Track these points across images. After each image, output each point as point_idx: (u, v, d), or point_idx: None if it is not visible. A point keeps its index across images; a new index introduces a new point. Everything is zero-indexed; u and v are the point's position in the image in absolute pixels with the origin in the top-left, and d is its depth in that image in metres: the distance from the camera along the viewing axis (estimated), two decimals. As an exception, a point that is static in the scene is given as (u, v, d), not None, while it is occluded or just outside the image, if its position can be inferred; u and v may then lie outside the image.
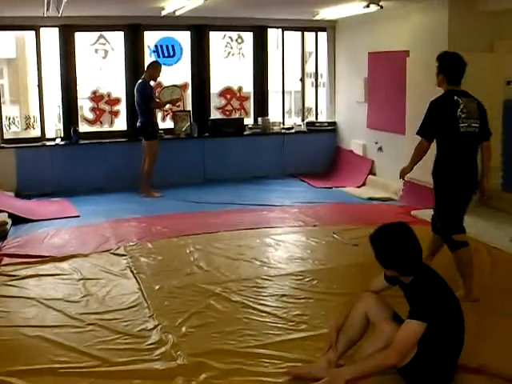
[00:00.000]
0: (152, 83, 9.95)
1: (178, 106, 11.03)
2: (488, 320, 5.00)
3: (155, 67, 9.86)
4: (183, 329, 4.93)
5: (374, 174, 10.75)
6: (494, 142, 8.68)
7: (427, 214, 8.42)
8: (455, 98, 5.68)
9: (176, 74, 11.19)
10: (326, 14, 10.24)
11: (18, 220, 8.24)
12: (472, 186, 5.71)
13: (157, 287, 5.84)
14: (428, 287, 3.75)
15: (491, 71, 8.66)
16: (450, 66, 5.87)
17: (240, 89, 11.71)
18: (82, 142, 10.48)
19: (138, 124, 9.92)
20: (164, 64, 10.58)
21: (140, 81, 9.77)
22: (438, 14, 8.71)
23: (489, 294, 5.64)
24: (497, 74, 8.66)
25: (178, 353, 4.48)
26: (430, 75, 8.60)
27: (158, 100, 10.20)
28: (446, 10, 8.56)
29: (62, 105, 10.64)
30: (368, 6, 8.80)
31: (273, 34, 12.06)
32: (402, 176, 6.26)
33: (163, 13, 9.36)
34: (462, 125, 5.56)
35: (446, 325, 3.75)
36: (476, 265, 6.47)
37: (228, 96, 11.68)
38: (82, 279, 6.11)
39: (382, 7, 8.79)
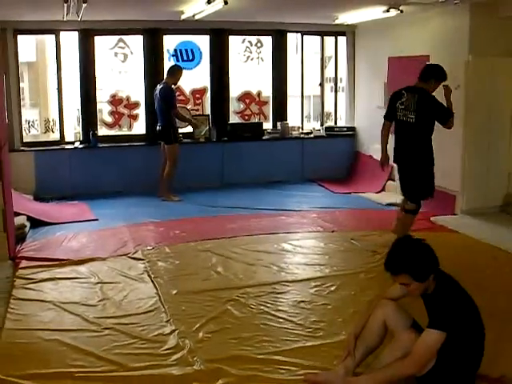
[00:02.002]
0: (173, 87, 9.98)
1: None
2: (509, 329, 4.93)
3: (179, 71, 9.88)
4: (200, 334, 4.91)
5: (394, 180, 10.68)
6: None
7: (447, 220, 8.44)
8: (402, 91, 7.06)
9: (195, 78, 11.20)
10: (345, 18, 10.18)
11: (36, 223, 8.26)
12: (400, 164, 7.36)
13: (174, 292, 5.83)
14: (449, 296, 3.69)
15: (512, 76, 8.61)
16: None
17: (259, 93, 11.69)
18: (100, 145, 10.49)
19: (157, 128, 9.93)
20: (183, 68, 10.61)
21: (163, 85, 9.76)
22: (459, 19, 8.65)
23: (507, 302, 5.58)
24: (518, 79, 8.61)
25: (195, 358, 4.46)
26: (450, 80, 8.57)
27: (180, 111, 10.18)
28: (468, 15, 8.48)
29: (81, 108, 10.67)
30: (388, 11, 8.74)
31: (292, 39, 12.02)
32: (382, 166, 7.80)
33: (182, 17, 9.35)
34: (398, 113, 7.08)
35: (466, 334, 3.70)
36: (495, 273, 6.46)
37: (247, 100, 11.67)
38: (99, 283, 6.11)
39: (402, 12, 8.72)
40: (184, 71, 10.27)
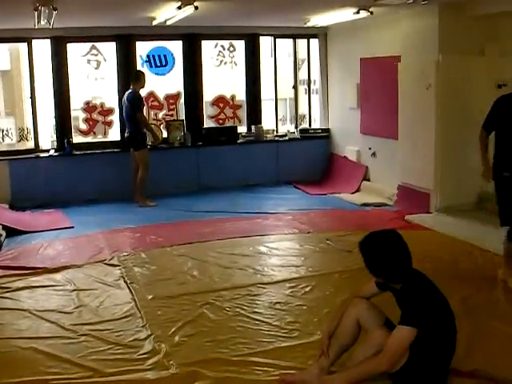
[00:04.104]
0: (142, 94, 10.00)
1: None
2: (481, 324, 4.99)
3: (142, 75, 9.93)
4: (176, 338, 4.93)
5: (368, 180, 10.77)
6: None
7: (421, 218, 8.52)
8: None
9: (169, 83, 11.21)
10: (316, 21, 10.22)
11: (12, 232, 8.23)
12: None
13: (150, 297, 5.84)
14: (418, 293, 3.74)
15: (482, 74, 8.70)
16: None
17: (233, 97, 11.71)
18: (75, 152, 10.46)
19: (126, 134, 9.97)
20: (156, 74, 10.66)
21: (130, 91, 9.79)
22: (428, 19, 8.73)
23: (482, 298, 5.65)
24: (488, 78, 8.70)
25: (171, 362, 4.48)
26: (421, 80, 8.67)
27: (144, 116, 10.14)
28: (437, 15, 8.57)
29: (56, 116, 10.63)
30: (358, 13, 8.79)
31: (265, 42, 12.04)
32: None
33: (154, 23, 9.36)
34: None
35: (437, 330, 3.75)
36: (470, 268, 6.53)
37: (221, 104, 11.67)
38: (75, 290, 6.10)
39: (372, 13, 8.78)
40: (157, 77, 10.27)
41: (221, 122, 11.68)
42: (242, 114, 11.82)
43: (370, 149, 10.66)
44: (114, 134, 10.95)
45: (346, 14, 9.16)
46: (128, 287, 6.14)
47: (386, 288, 3.98)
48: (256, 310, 5.48)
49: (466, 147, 8.79)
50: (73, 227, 8.63)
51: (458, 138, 8.74)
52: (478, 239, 7.44)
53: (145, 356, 4.60)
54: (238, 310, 5.48)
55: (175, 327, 5.11)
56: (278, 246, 7.53)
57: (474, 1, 8.25)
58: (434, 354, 3.79)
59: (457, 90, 8.67)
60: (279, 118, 12.24)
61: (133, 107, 9.73)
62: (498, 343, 4.66)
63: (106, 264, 6.93)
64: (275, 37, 11.80)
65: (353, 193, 10.53)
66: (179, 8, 7.86)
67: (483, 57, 8.78)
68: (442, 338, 3.80)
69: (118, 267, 6.79)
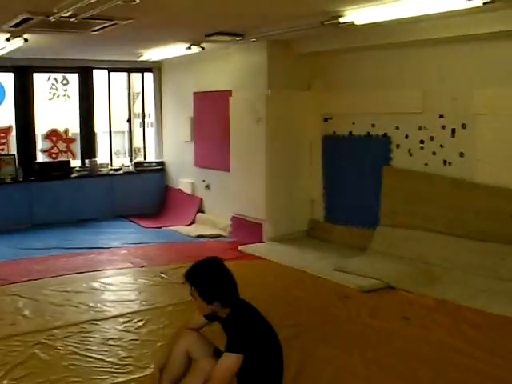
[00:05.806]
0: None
1: None
2: (310, 349, 5.18)
3: None
4: (4, 382, 4.75)
5: (203, 212, 10.91)
6: (315, 176, 9.20)
7: (254, 248, 8.77)
8: None
9: (-1, 116, 10.93)
10: (149, 55, 10.34)
11: None
12: None
13: (-24, 341, 5.62)
14: (243, 320, 3.84)
15: (309, 108, 9.10)
16: None
17: (66, 131, 11.56)
18: None
19: None
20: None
21: None
22: (257, 55, 9.03)
23: (311, 322, 5.87)
24: (315, 111, 9.12)
25: (-1, 407, 4.35)
26: (251, 113, 8.94)
27: None
28: (265, 52, 8.89)
29: None
30: (190, 48, 8.96)
31: (101, 75, 11.97)
32: None
33: (-20, 54, 9.11)
34: None
35: (263, 356, 3.85)
36: (301, 295, 6.76)
37: (54, 138, 11.49)
38: None
39: (203, 49, 8.97)
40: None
41: (54, 156, 11.48)
42: (76, 147, 11.67)
43: (203, 181, 10.84)
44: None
45: (179, 49, 9.32)
46: (-49, 332, 5.88)
47: (213, 318, 4.07)
48: (89, 347, 5.40)
49: (296, 178, 9.15)
50: None
51: (287, 168, 9.08)
52: (309, 266, 7.75)
53: (-31, 404, 4.45)
54: (70, 348, 5.38)
55: (4, 371, 4.92)
56: (112, 281, 7.48)
57: (299, 39, 8.62)
58: (261, 380, 3.89)
59: (286, 122, 9.01)
60: (114, 151, 12.20)
61: None
62: (328, 367, 4.85)
63: None
64: (109, 70, 11.80)
65: (188, 225, 10.64)
66: (8, 40, 7.70)
67: (310, 91, 9.19)
68: (268, 364, 3.91)
69: None
